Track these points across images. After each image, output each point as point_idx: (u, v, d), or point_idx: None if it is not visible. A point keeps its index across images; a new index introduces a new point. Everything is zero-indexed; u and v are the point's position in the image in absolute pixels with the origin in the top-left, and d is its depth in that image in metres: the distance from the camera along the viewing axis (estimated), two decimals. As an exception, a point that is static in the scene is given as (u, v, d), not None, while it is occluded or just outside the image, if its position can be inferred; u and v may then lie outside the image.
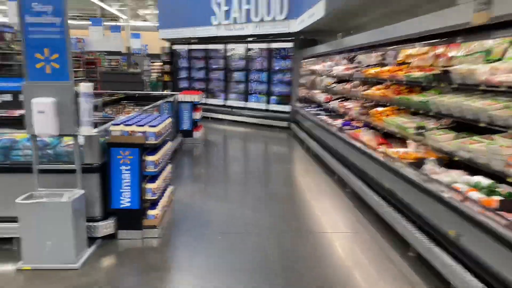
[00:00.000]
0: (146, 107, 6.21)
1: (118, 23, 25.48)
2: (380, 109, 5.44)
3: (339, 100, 7.47)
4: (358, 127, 6.04)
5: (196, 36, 12.85)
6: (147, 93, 8.65)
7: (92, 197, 3.44)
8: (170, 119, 4.10)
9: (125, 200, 3.54)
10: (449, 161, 3.65)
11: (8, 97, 3.89)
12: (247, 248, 3.60)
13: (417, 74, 4.38)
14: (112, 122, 3.65)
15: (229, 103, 12.26)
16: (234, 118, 11.78)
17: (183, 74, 13.78)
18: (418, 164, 3.99)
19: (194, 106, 8.27)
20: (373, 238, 3.89)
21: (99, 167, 3.44)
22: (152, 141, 3.52)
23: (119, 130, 3.49)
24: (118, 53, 18.84)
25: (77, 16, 26.66)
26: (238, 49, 12.08)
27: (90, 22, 20.42)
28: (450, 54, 4.20)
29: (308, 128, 8.51)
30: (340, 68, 7.43)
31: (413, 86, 4.96)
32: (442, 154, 3.68)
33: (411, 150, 4.66)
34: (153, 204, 3.67)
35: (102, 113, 6.01)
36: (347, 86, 6.95)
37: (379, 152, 4.68)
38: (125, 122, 3.59)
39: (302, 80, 10.25)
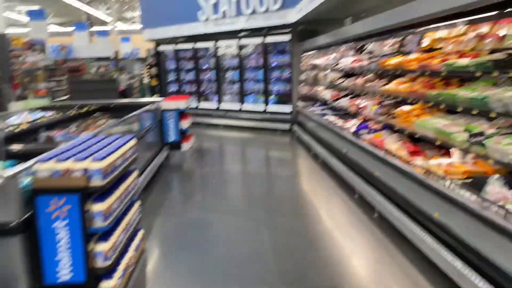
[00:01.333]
0: (120, 120, 5.08)
1: (105, 28, 24.35)
2: (406, 108, 4.32)
3: (349, 97, 6.35)
4: (376, 130, 4.93)
5: (183, 35, 11.67)
6: (124, 103, 7.46)
7: (12, 271, 2.31)
8: (131, 143, 2.97)
9: (64, 270, 2.40)
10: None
11: None
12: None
13: (463, 61, 3.26)
14: (40, 157, 2.50)
15: (223, 106, 11.06)
16: (230, 123, 10.59)
17: (171, 77, 12.57)
18: (475, 183, 2.88)
19: (181, 113, 7.11)
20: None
21: (21, 226, 2.31)
22: (97, 182, 2.38)
23: (47, 169, 2.36)
24: (106, 58, 17.66)
25: (64, 23, 25.56)
26: (229, 46, 10.89)
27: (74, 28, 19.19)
28: (501, 33, 3.06)
29: (314, 131, 7.37)
30: (349, 60, 6.30)
31: (451, 77, 3.88)
32: (505, 167, 2.61)
33: (456, 160, 3.55)
34: (109, 271, 2.54)
35: (63, 131, 4.89)
36: (359, 80, 5.84)
37: (416, 166, 3.55)
38: (58, 155, 2.45)
39: (303, 76, 9.11)
